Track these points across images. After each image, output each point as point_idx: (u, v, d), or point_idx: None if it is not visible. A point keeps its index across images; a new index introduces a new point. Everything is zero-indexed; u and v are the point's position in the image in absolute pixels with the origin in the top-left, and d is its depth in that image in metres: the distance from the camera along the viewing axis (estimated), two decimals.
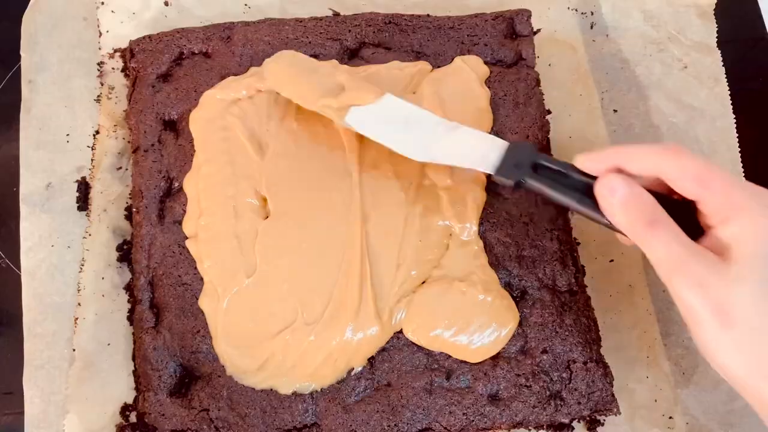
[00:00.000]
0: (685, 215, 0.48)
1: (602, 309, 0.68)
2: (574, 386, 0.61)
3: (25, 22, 0.75)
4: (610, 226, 0.51)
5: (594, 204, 0.51)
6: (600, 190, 0.50)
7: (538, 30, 0.75)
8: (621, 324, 0.69)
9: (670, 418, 0.66)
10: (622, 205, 0.49)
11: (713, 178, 0.47)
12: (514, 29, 0.73)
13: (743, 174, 0.73)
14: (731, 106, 0.76)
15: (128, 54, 0.73)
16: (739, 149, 0.74)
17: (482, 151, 0.56)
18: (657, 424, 0.65)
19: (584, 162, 0.52)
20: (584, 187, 0.52)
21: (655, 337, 0.68)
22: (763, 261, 0.44)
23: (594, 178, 0.51)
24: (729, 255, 0.45)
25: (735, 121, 0.75)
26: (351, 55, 0.72)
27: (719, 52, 0.77)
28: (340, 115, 0.60)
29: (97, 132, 0.73)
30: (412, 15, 0.73)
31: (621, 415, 0.63)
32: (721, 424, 0.66)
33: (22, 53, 0.74)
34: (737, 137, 0.75)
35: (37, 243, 0.69)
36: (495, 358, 0.62)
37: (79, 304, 0.67)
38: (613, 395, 0.62)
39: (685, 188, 0.48)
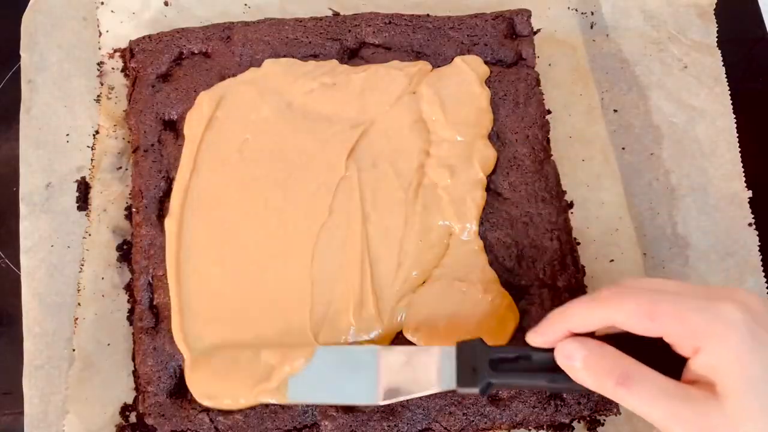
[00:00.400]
0: (663, 350, 0.45)
1: None
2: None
3: (25, 22, 0.75)
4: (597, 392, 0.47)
5: (567, 377, 0.48)
6: (560, 361, 0.48)
7: (538, 30, 0.75)
8: None
9: None
10: (585, 369, 0.46)
11: (662, 311, 0.43)
12: (514, 29, 0.73)
13: (743, 174, 0.73)
14: (731, 106, 0.76)
15: (128, 54, 0.73)
16: (739, 149, 0.74)
17: (435, 369, 0.53)
18: None
19: (535, 339, 0.50)
20: (551, 363, 0.49)
21: None
22: (754, 388, 0.41)
23: (553, 350, 0.49)
24: (717, 389, 0.42)
25: (735, 121, 0.75)
26: (351, 55, 0.72)
27: (719, 52, 0.77)
28: (283, 394, 0.56)
29: (97, 132, 0.73)
30: (412, 15, 0.73)
31: (621, 416, 0.63)
32: None
33: (22, 53, 0.74)
34: (737, 137, 0.75)
35: (37, 243, 0.69)
36: None
37: (79, 304, 0.66)
38: None
39: (641, 329, 0.45)
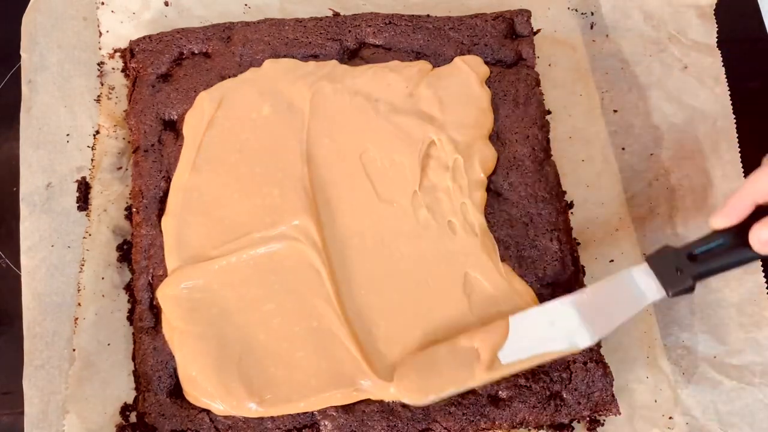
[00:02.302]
0: None
1: None
2: (574, 386, 0.61)
3: (25, 22, 0.75)
4: None
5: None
6: (758, 248, 0.48)
7: (538, 30, 0.75)
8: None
9: (670, 418, 0.65)
10: None
11: None
12: (514, 29, 0.74)
13: (743, 174, 0.73)
14: (731, 107, 0.76)
15: (128, 54, 0.73)
16: (739, 149, 0.74)
17: (636, 288, 0.55)
18: (657, 425, 0.65)
19: (720, 222, 0.50)
20: (742, 243, 0.51)
21: (655, 337, 0.68)
22: None
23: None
24: None
25: (735, 121, 0.75)
26: (351, 55, 0.72)
27: (719, 52, 0.77)
28: (496, 368, 0.57)
29: (97, 132, 0.73)
30: (412, 15, 0.73)
31: (621, 416, 0.63)
32: (721, 424, 0.66)
33: (22, 53, 0.74)
34: (737, 137, 0.75)
35: (37, 243, 0.68)
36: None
37: (79, 304, 0.66)
38: (613, 395, 0.62)
39: None
